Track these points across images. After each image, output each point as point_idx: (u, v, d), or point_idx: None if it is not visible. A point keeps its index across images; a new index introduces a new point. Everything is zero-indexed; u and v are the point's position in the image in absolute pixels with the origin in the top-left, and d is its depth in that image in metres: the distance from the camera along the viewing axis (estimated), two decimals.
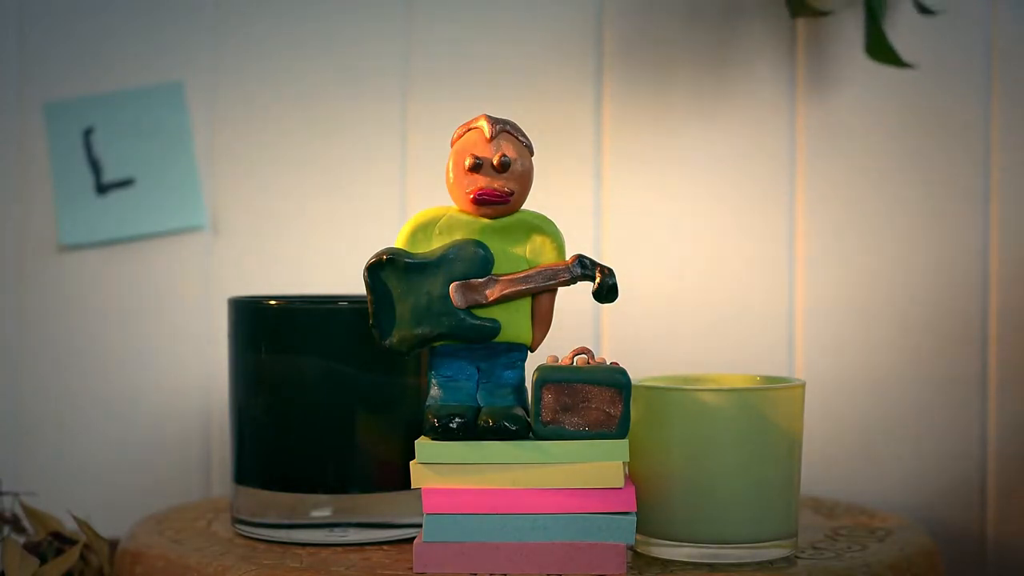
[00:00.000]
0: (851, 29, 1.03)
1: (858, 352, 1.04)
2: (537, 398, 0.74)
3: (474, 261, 0.75)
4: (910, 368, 1.03)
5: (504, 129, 0.76)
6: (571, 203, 1.04)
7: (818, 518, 0.91)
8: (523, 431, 0.74)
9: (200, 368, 1.05)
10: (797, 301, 1.04)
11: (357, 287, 0.82)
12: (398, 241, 0.77)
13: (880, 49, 0.95)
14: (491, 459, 0.74)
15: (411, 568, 0.76)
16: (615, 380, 0.74)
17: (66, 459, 1.05)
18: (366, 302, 0.76)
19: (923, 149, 1.03)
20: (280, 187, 1.05)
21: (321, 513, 0.83)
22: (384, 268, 0.75)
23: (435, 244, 0.76)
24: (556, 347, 0.81)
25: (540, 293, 0.76)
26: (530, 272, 0.76)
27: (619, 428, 0.74)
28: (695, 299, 1.04)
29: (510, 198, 0.76)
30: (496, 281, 0.76)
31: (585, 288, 0.77)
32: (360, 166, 1.05)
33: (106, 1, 1.05)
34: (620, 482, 0.74)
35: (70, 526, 0.93)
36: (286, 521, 0.84)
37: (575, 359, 0.76)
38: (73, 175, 1.04)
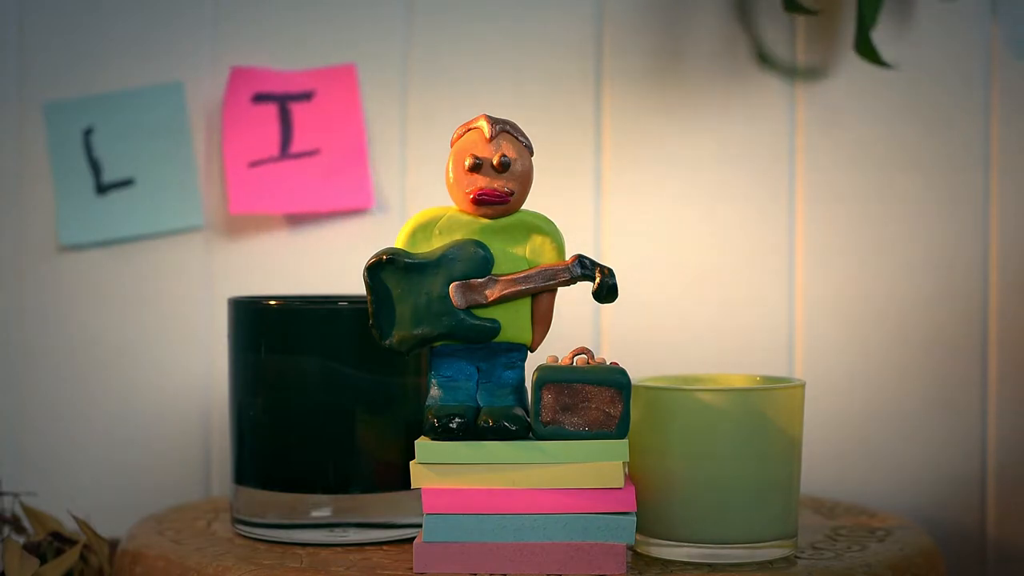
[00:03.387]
0: (850, 29, 1.03)
1: (858, 352, 1.04)
2: (537, 398, 0.74)
3: (474, 261, 0.76)
4: (910, 368, 1.03)
5: (504, 129, 0.76)
6: (571, 203, 1.04)
7: (818, 518, 0.91)
8: (523, 431, 0.74)
9: (200, 368, 1.05)
10: (797, 301, 1.04)
11: (357, 287, 0.82)
12: (398, 241, 0.77)
13: (864, 47, 0.96)
14: (491, 459, 0.74)
15: (411, 568, 0.76)
16: (615, 380, 0.74)
17: (66, 459, 1.05)
18: (366, 302, 0.76)
19: (923, 148, 1.03)
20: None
21: (321, 513, 0.83)
22: (384, 268, 0.76)
23: (435, 244, 0.76)
24: (556, 347, 0.81)
25: (540, 293, 0.76)
26: (530, 272, 0.76)
27: (619, 428, 0.74)
28: (695, 299, 1.04)
29: (510, 198, 0.76)
30: (496, 281, 0.76)
31: (585, 288, 0.77)
32: None
33: (106, 1, 1.05)
34: (620, 482, 0.74)
35: (70, 526, 0.93)
36: (286, 521, 0.84)
37: (575, 359, 0.76)
38: (73, 175, 1.04)
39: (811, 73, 1.03)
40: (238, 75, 1.03)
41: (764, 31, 1.03)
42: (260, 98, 1.03)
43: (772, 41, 1.03)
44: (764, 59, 1.03)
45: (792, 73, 1.03)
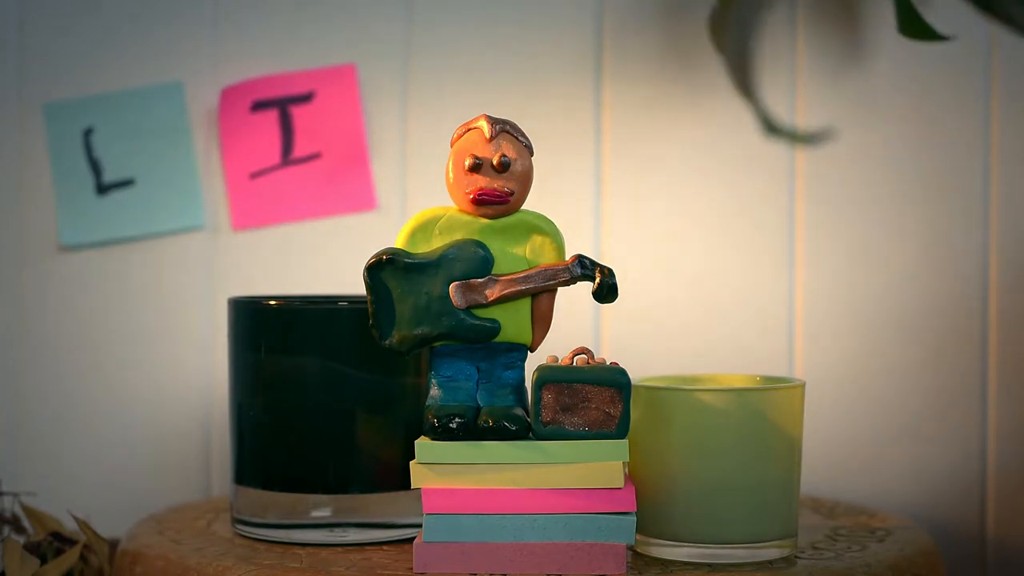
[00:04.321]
0: (850, 31, 1.02)
1: (858, 352, 1.04)
2: (537, 398, 0.74)
3: (474, 261, 0.76)
4: (910, 368, 1.03)
5: (504, 129, 0.76)
6: (571, 203, 1.04)
7: (818, 518, 0.91)
8: (523, 431, 0.74)
9: (200, 368, 1.05)
10: (797, 301, 1.04)
11: (357, 287, 0.82)
12: (398, 241, 0.77)
13: (914, 26, 0.93)
14: (491, 459, 0.74)
15: (411, 568, 0.76)
16: (615, 380, 0.74)
17: (66, 459, 1.05)
18: (366, 302, 0.76)
19: (923, 150, 1.03)
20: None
21: (321, 513, 0.83)
22: (384, 268, 0.76)
23: (435, 244, 0.77)
24: (556, 347, 0.81)
25: (540, 293, 0.76)
26: (530, 272, 0.76)
27: (619, 428, 0.74)
28: (695, 299, 1.04)
29: (510, 198, 0.76)
30: (496, 281, 0.76)
31: (585, 288, 0.77)
32: None
33: (106, 1, 1.05)
34: (620, 482, 0.74)
35: (70, 526, 0.93)
36: (286, 521, 0.84)
37: (575, 359, 0.76)
38: (73, 175, 1.04)
39: (818, 138, 1.02)
40: (229, 93, 1.03)
41: (766, 98, 1.02)
42: (259, 106, 1.03)
43: (771, 45, 1.03)
44: (771, 128, 1.02)
45: (799, 139, 1.02)
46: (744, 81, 0.90)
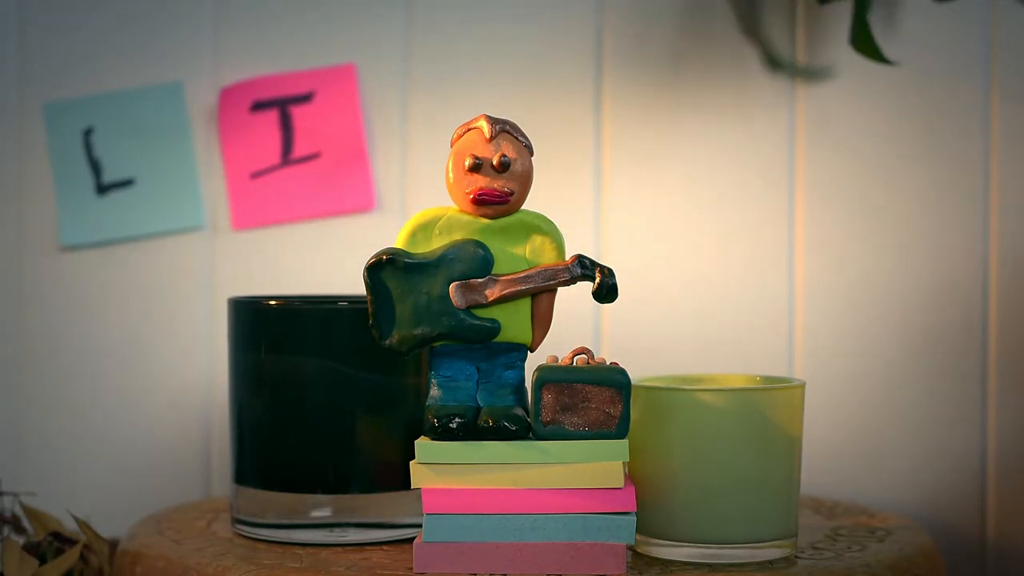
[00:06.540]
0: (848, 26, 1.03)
1: (858, 352, 1.04)
2: (537, 398, 0.74)
3: (474, 261, 0.76)
4: (910, 368, 1.03)
5: (504, 129, 0.76)
6: (571, 203, 1.04)
7: (818, 518, 0.91)
8: (523, 431, 0.74)
9: (200, 368, 1.05)
10: (797, 301, 1.04)
11: (357, 287, 0.82)
12: (398, 241, 0.77)
13: (863, 42, 0.95)
14: (491, 459, 0.74)
15: (411, 568, 0.76)
16: (615, 380, 0.74)
17: (66, 459, 1.05)
18: (366, 302, 0.76)
19: (923, 148, 1.03)
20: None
21: (321, 513, 0.83)
22: (384, 268, 0.76)
23: (435, 244, 0.77)
24: (556, 347, 0.81)
25: (540, 293, 0.76)
26: (530, 272, 0.76)
27: (619, 428, 0.74)
28: (695, 299, 1.04)
29: (510, 198, 0.76)
30: (496, 281, 0.76)
31: (585, 288, 0.77)
32: None
33: (106, 1, 1.05)
34: (620, 482, 0.74)
35: (70, 526, 0.93)
36: (286, 521, 0.84)
37: (575, 359, 0.76)
38: (73, 175, 1.04)
39: (819, 73, 1.03)
40: (229, 93, 1.03)
41: (771, 35, 1.03)
42: (259, 106, 1.03)
43: (772, 42, 1.03)
44: (774, 63, 1.03)
45: (801, 74, 1.03)
46: (748, 19, 0.92)
